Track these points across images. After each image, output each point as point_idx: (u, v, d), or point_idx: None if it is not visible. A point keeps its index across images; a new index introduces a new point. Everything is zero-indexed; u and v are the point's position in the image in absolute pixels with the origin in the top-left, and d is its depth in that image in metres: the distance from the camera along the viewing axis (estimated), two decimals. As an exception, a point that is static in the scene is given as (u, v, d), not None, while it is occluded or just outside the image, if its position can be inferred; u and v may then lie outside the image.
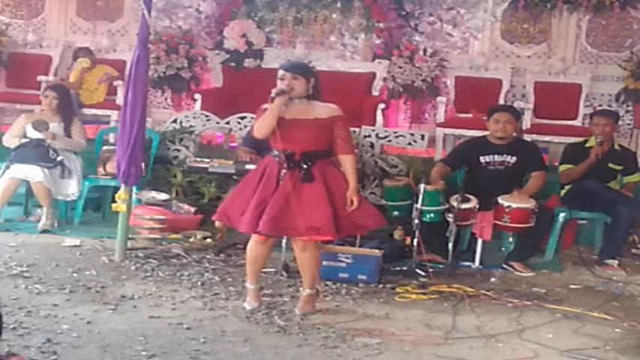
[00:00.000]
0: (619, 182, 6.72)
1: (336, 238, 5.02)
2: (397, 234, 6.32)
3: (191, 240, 6.38)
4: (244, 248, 5.22)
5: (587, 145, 6.70)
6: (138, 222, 6.43)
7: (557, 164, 6.95)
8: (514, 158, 6.35)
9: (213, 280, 5.48)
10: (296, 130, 4.69)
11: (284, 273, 5.60)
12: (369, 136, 7.30)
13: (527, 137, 7.97)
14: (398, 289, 5.43)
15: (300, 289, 4.96)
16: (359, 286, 5.46)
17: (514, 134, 6.59)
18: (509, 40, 8.99)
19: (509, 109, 6.65)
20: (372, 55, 8.85)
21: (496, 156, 6.36)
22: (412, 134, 7.48)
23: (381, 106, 8.26)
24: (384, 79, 8.66)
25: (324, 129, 4.74)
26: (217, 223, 6.29)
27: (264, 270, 5.18)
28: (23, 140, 6.93)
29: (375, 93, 8.73)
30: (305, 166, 4.70)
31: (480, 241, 6.03)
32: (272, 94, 4.69)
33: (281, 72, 4.79)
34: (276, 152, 4.78)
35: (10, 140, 7.02)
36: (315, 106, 4.78)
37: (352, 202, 4.71)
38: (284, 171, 4.71)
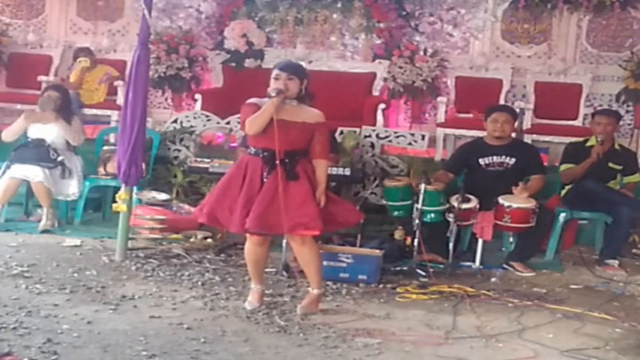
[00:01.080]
0: (619, 182, 6.72)
1: (321, 232, 5.02)
2: (398, 234, 6.33)
3: (191, 240, 6.38)
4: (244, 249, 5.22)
5: (588, 144, 6.70)
6: (138, 222, 6.43)
7: (557, 164, 6.96)
8: (513, 160, 6.35)
9: (214, 280, 5.48)
10: (282, 131, 4.67)
11: (284, 273, 5.60)
12: (370, 136, 7.31)
13: (527, 137, 7.99)
14: (398, 289, 5.43)
15: (301, 289, 4.96)
16: (359, 286, 5.46)
17: (512, 134, 6.59)
18: (509, 40, 8.99)
19: (507, 109, 6.66)
20: (372, 55, 8.85)
21: (495, 157, 6.37)
22: (412, 134, 7.49)
23: (382, 106, 8.26)
24: (385, 79, 8.66)
25: (308, 133, 4.79)
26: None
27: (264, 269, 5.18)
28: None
29: (376, 93, 8.73)
30: (289, 165, 4.72)
31: (480, 241, 6.03)
32: (271, 93, 4.69)
33: (276, 71, 4.79)
34: (254, 150, 4.80)
35: (8, 135, 7.03)
36: (304, 110, 4.81)
37: (320, 202, 4.76)
38: (268, 170, 4.72)
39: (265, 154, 4.74)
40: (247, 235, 4.85)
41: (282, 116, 4.71)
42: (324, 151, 4.84)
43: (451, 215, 5.93)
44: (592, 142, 6.68)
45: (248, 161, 4.84)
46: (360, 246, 6.01)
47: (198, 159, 6.62)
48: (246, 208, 4.70)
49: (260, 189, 4.72)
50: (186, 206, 6.91)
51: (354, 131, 7.28)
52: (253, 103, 4.78)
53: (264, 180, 4.73)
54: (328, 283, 5.43)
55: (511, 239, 6.28)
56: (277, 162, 4.68)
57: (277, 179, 4.69)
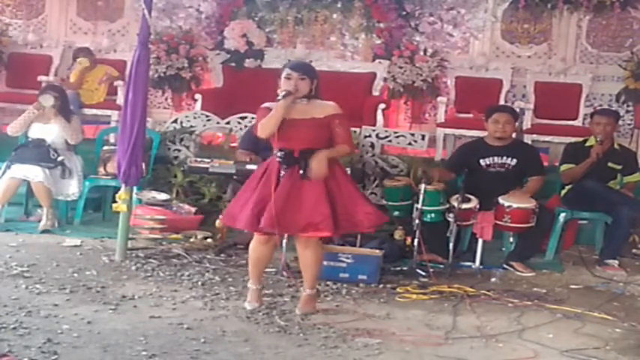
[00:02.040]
0: (619, 182, 6.72)
1: (335, 235, 5.08)
2: (398, 234, 6.32)
3: (191, 240, 6.38)
4: (245, 248, 5.23)
5: (587, 144, 6.70)
6: (138, 222, 6.44)
7: (557, 164, 6.96)
8: (514, 160, 6.35)
9: (214, 280, 5.48)
10: (294, 129, 4.69)
11: (284, 273, 5.60)
12: (370, 136, 7.31)
13: (527, 137, 8.00)
14: (398, 289, 5.43)
15: (301, 289, 4.97)
16: (359, 286, 5.46)
17: (513, 135, 6.59)
18: (509, 40, 8.99)
19: (508, 110, 6.66)
20: (372, 55, 8.85)
21: (496, 158, 6.37)
22: (412, 134, 7.49)
23: (382, 106, 8.27)
24: (385, 79, 8.67)
25: (322, 128, 4.76)
26: (217, 223, 6.30)
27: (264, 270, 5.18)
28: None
29: (376, 93, 8.73)
30: (304, 164, 4.70)
31: (480, 241, 6.03)
32: (279, 96, 4.69)
33: (288, 71, 4.78)
34: (275, 151, 4.80)
35: (14, 129, 7.03)
36: (314, 106, 4.79)
37: (313, 168, 4.67)
38: (284, 169, 4.72)
39: (281, 153, 4.74)
40: (254, 232, 4.83)
41: (293, 115, 4.71)
42: (344, 141, 4.78)
43: (451, 215, 5.93)
44: (591, 142, 6.68)
45: (270, 161, 4.84)
46: (360, 246, 6.00)
47: (198, 159, 6.61)
48: (258, 207, 4.69)
49: (275, 188, 4.71)
50: (186, 206, 6.92)
51: (354, 131, 7.26)
52: (267, 107, 4.78)
53: (280, 179, 4.72)
54: (328, 283, 5.44)
55: (511, 239, 6.28)
56: (284, 164, 4.69)
57: (292, 179, 4.69)
